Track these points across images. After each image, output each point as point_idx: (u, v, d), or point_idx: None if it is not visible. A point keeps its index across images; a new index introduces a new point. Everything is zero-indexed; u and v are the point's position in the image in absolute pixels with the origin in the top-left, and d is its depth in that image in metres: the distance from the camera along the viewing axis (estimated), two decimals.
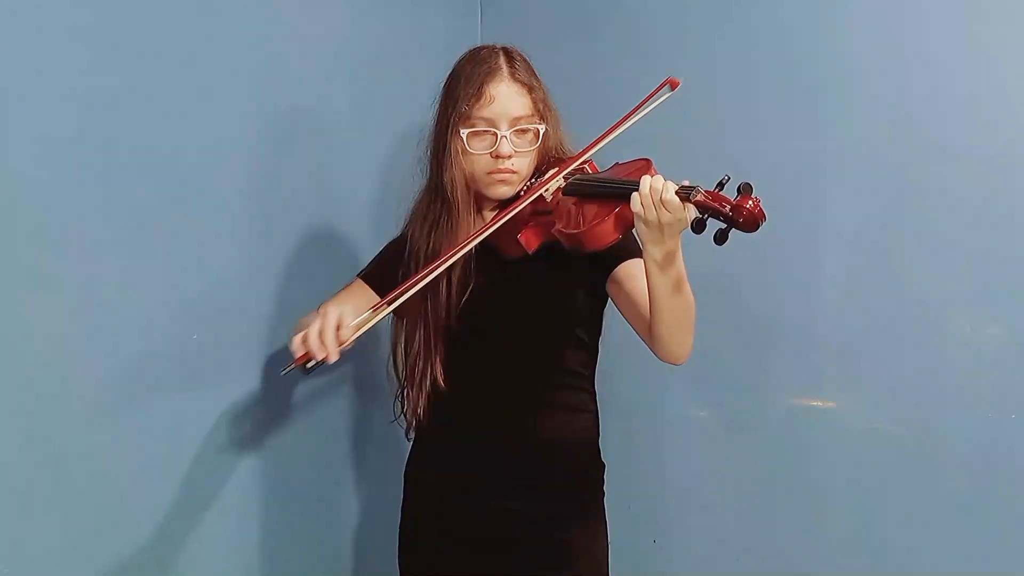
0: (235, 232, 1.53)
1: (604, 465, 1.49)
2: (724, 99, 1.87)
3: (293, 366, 1.25)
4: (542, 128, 1.38)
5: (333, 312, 1.23)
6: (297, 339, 1.24)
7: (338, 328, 1.22)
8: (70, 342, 1.28)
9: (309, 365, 1.24)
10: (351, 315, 1.26)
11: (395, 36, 1.89)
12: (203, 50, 1.45)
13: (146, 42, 1.36)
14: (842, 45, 1.77)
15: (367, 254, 1.79)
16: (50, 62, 1.23)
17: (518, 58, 1.39)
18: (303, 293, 1.64)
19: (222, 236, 1.50)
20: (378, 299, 1.39)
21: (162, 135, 1.38)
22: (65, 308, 1.27)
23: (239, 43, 1.51)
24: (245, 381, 1.56)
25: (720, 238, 1.10)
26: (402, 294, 1.30)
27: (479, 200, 1.42)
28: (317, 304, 1.65)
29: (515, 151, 1.36)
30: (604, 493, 1.49)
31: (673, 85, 1.30)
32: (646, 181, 1.16)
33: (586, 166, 1.37)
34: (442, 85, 1.42)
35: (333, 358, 1.22)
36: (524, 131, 1.37)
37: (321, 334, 1.21)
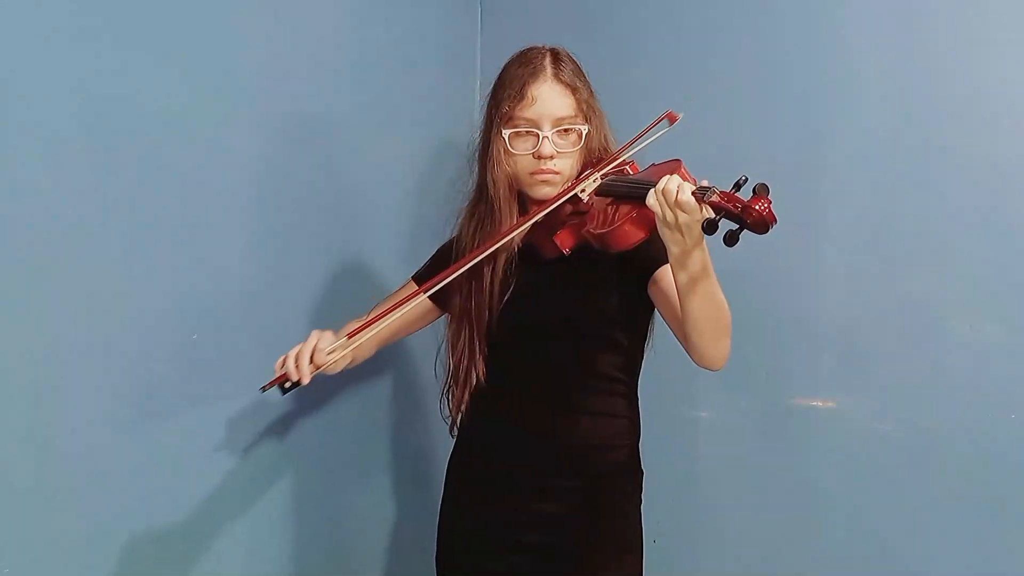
0: (237, 233, 1.52)
1: (642, 472, 1.49)
2: (725, 99, 1.87)
3: (269, 386, 1.33)
4: (585, 129, 1.38)
5: (313, 337, 1.32)
6: (279, 361, 1.32)
7: (314, 352, 1.30)
8: (70, 343, 1.27)
9: (286, 386, 1.31)
10: (328, 342, 1.33)
11: (395, 38, 1.88)
12: (208, 52, 1.44)
13: (152, 43, 1.35)
14: (843, 45, 1.79)
15: (366, 253, 1.79)
16: (52, 62, 1.22)
17: (565, 59, 1.40)
18: (305, 293, 1.64)
19: (224, 237, 1.49)
20: (427, 303, 1.50)
21: (167, 137, 1.38)
22: (66, 308, 1.26)
23: (241, 44, 1.50)
24: (252, 383, 1.56)
25: (730, 239, 1.09)
26: (438, 283, 1.36)
27: (524, 201, 1.43)
28: (325, 303, 1.66)
29: (557, 152, 1.36)
30: (641, 500, 1.49)
31: (672, 120, 1.33)
32: (663, 182, 1.16)
33: (626, 168, 1.38)
34: (491, 87, 1.43)
35: (305, 380, 1.29)
36: (567, 132, 1.37)
37: (298, 357, 1.30)
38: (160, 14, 1.36)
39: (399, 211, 1.87)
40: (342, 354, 1.34)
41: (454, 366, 1.47)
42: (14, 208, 1.19)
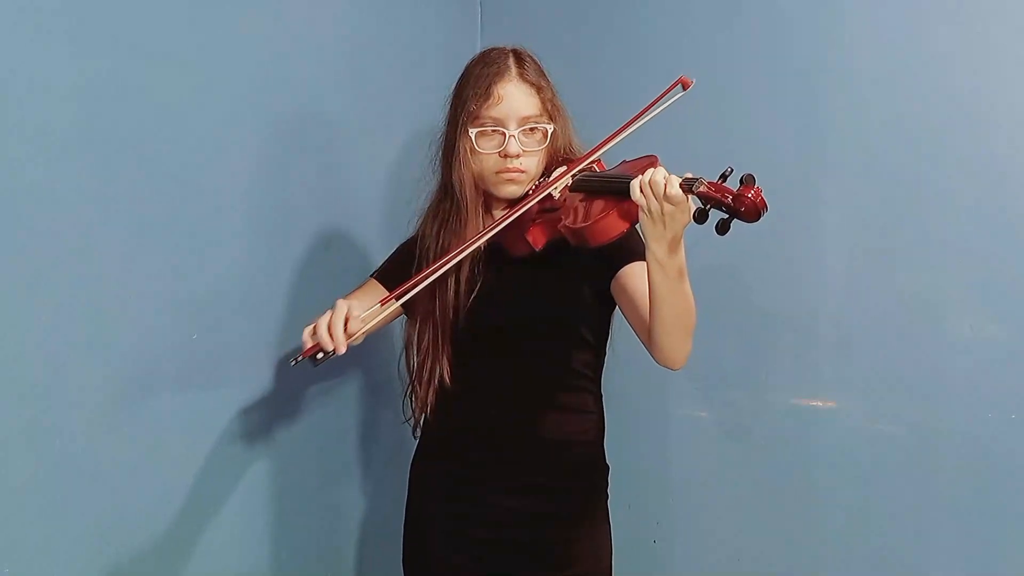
0: (236, 233, 1.53)
1: (608, 467, 1.50)
2: (725, 97, 1.87)
3: (302, 357, 1.27)
4: (550, 128, 1.39)
5: (342, 305, 1.27)
6: (307, 331, 1.27)
7: (347, 320, 1.25)
8: (70, 343, 1.27)
9: (319, 357, 1.25)
10: (360, 308, 1.28)
11: (395, 36, 1.89)
12: (206, 51, 1.45)
13: (151, 42, 1.36)
14: (844, 43, 1.78)
15: (366, 253, 1.79)
16: (52, 62, 1.23)
17: (527, 59, 1.40)
18: (305, 293, 1.65)
19: (223, 236, 1.50)
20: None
21: (164, 136, 1.38)
22: (65, 308, 1.27)
23: (241, 43, 1.51)
24: (247, 382, 1.56)
25: (722, 228, 1.11)
26: (411, 288, 1.33)
27: (488, 200, 1.44)
28: (319, 303, 1.66)
29: (523, 150, 1.37)
30: (608, 495, 1.49)
31: (685, 85, 1.31)
32: (648, 173, 1.16)
33: (594, 165, 1.38)
34: (453, 86, 1.44)
35: (341, 350, 1.24)
36: (532, 131, 1.38)
37: (330, 326, 1.24)
38: (158, 14, 1.36)
39: (398, 210, 1.86)
40: (375, 320, 1.30)
41: (418, 366, 1.46)
42: (13, 208, 1.19)
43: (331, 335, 1.23)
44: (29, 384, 1.23)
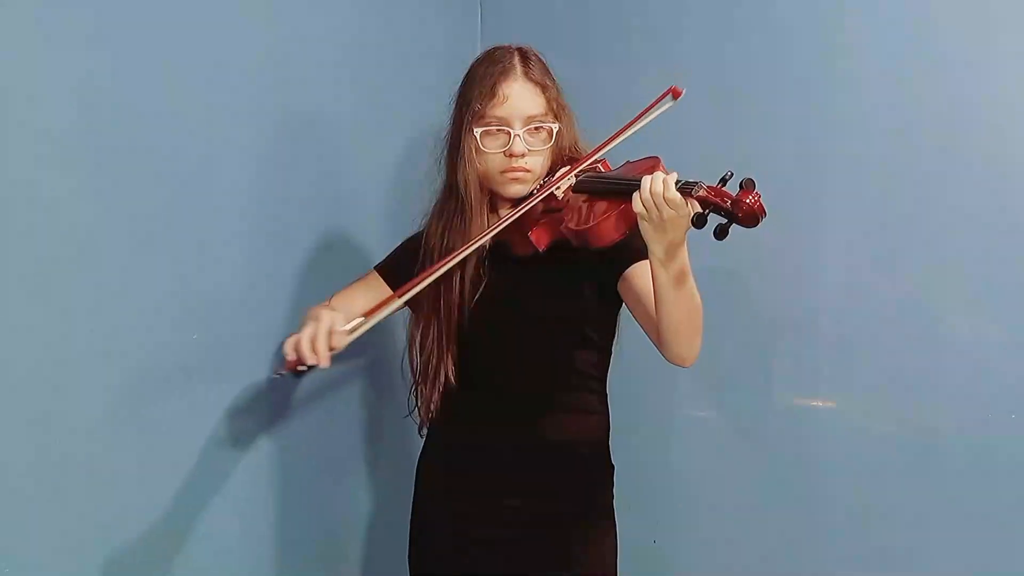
0: (237, 232, 1.52)
1: (613, 467, 1.50)
2: (726, 98, 1.87)
3: (285, 371, 1.26)
4: (556, 127, 1.39)
5: (326, 317, 1.25)
6: (289, 343, 1.25)
7: (331, 333, 1.23)
8: (70, 343, 1.27)
9: (300, 369, 1.24)
10: (343, 321, 1.26)
11: (395, 37, 1.89)
12: (207, 51, 1.44)
13: (151, 43, 1.35)
14: (845, 44, 1.78)
15: (366, 253, 1.79)
16: (53, 63, 1.23)
17: (533, 58, 1.40)
18: (305, 292, 1.64)
19: (224, 236, 1.50)
20: (389, 292, 1.42)
21: (165, 136, 1.38)
22: (65, 309, 1.26)
23: (241, 43, 1.51)
24: (248, 382, 1.56)
25: (720, 233, 1.11)
26: (408, 290, 1.33)
27: (493, 199, 1.44)
28: (319, 302, 1.65)
29: (529, 150, 1.37)
30: (613, 495, 1.49)
31: (676, 95, 1.31)
32: (647, 178, 1.17)
33: (599, 165, 1.38)
34: (458, 85, 1.43)
35: (324, 364, 1.22)
36: (538, 130, 1.38)
37: (313, 340, 1.22)
38: (158, 14, 1.36)
39: (399, 211, 1.87)
40: (358, 333, 1.28)
41: (422, 365, 1.46)
42: (14, 208, 1.19)
43: (314, 348, 1.22)
44: (29, 384, 1.23)
